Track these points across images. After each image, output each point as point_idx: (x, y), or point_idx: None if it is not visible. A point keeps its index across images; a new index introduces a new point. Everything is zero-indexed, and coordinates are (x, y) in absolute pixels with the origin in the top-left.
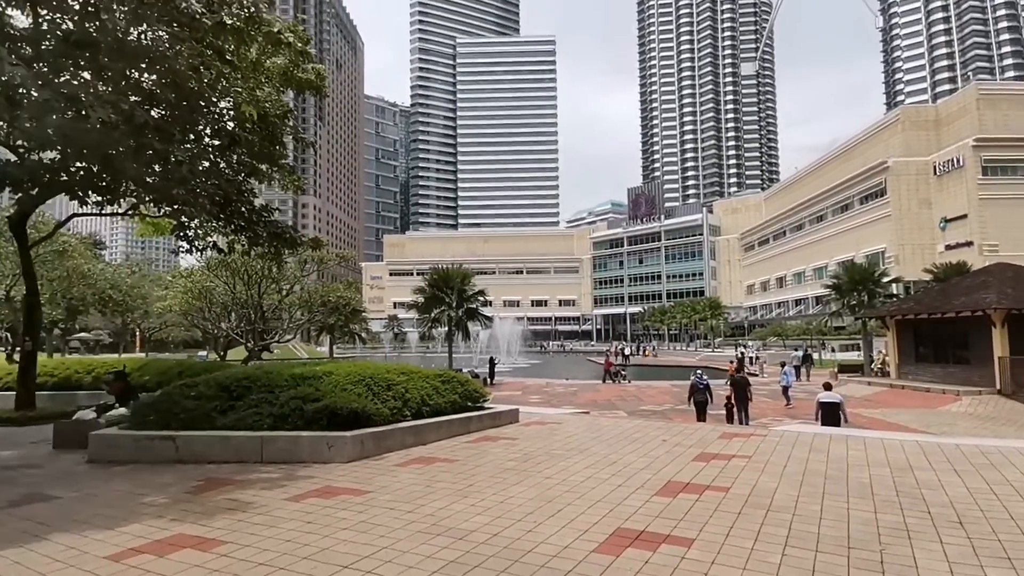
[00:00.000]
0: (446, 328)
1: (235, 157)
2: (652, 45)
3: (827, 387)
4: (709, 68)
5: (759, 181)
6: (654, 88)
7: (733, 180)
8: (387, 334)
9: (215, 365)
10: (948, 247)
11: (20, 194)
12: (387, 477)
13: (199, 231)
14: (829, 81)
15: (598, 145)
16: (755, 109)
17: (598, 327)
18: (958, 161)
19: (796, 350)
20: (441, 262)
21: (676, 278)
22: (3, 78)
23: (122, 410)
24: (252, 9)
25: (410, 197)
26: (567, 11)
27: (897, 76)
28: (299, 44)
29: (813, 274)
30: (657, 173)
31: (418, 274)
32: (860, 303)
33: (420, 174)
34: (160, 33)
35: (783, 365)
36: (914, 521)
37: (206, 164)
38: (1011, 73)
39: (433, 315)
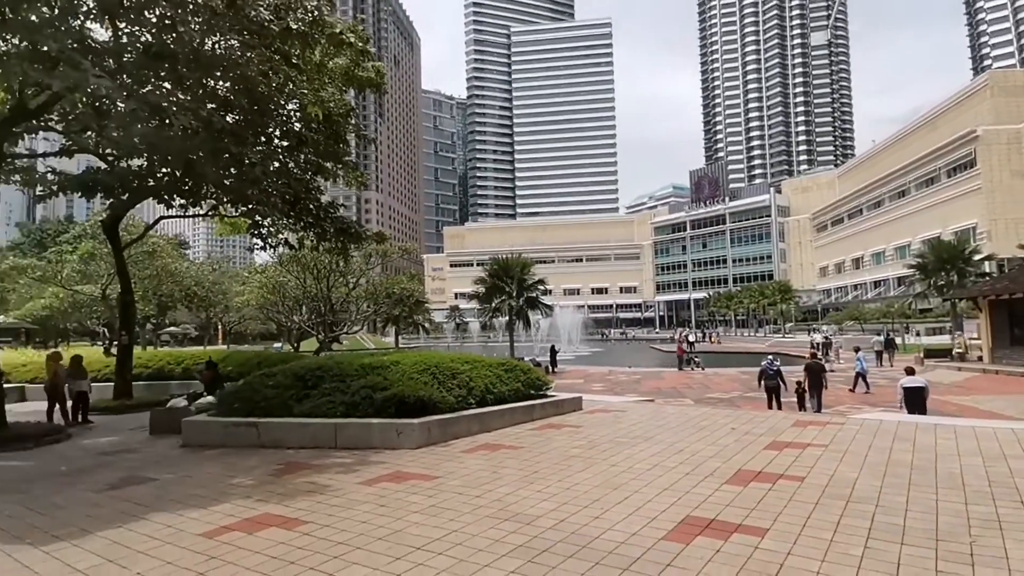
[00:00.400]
0: (507, 317)
1: (302, 156)
2: (713, 19)
3: (910, 372)
4: (776, 39)
5: (832, 158)
6: (716, 65)
7: (803, 158)
8: (449, 324)
9: (290, 356)
10: None
11: (112, 199)
12: (454, 463)
13: (271, 228)
14: (910, 47)
15: (658, 128)
16: (827, 81)
17: (660, 314)
18: None
19: (877, 335)
20: (500, 252)
21: (742, 262)
22: (89, 89)
23: (210, 398)
24: (316, 13)
25: (468, 189)
26: None
27: (983, 40)
28: (360, 44)
29: (894, 254)
30: (721, 154)
31: (478, 264)
32: (948, 283)
33: (478, 165)
34: (232, 42)
35: (857, 351)
36: (1007, 512)
37: (276, 164)
38: None
39: (494, 304)
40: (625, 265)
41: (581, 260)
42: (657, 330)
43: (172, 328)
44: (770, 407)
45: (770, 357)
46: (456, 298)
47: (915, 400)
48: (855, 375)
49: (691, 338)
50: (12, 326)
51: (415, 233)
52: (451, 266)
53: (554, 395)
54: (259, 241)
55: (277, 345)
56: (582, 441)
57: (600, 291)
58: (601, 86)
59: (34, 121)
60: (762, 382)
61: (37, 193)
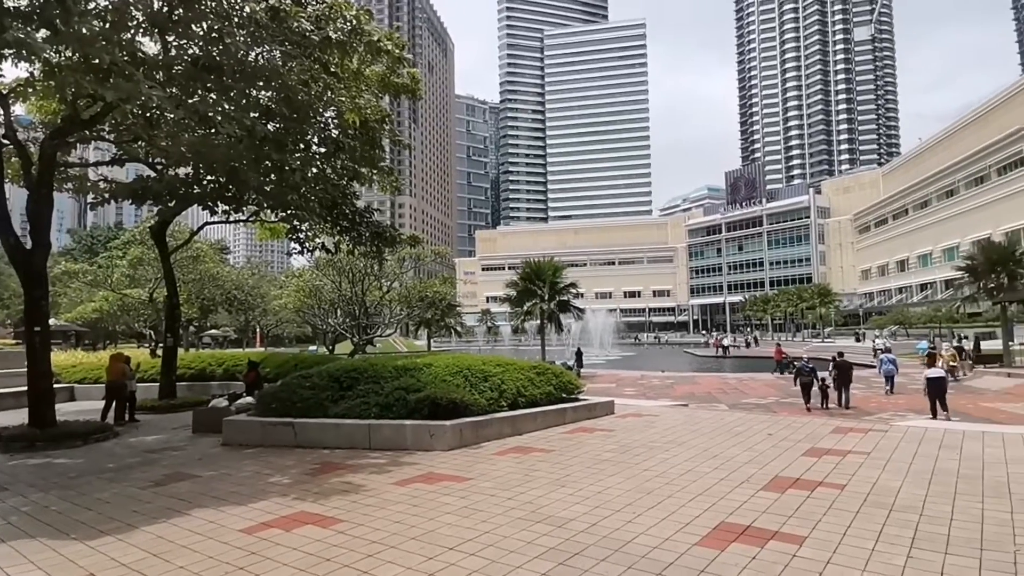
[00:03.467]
0: (538, 321)
1: (339, 162)
2: (751, 17)
3: (931, 363)
4: (817, 36)
5: (875, 156)
6: (753, 63)
7: (844, 157)
8: (481, 327)
9: (325, 358)
10: None
11: (160, 206)
12: (486, 465)
13: (309, 233)
14: (957, 42)
15: (692, 129)
16: (871, 77)
17: (695, 317)
18: None
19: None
20: (532, 256)
21: (780, 264)
22: (141, 100)
23: (249, 399)
24: (354, 22)
25: (500, 192)
26: None
27: None
28: (397, 51)
29: (942, 255)
30: (758, 154)
31: (509, 268)
32: (999, 286)
33: (510, 169)
34: (275, 52)
35: (886, 350)
36: None
37: (314, 170)
38: None
39: (525, 308)
40: (658, 268)
41: (613, 263)
42: (691, 334)
43: (213, 331)
44: (806, 401)
45: (805, 358)
46: (487, 301)
47: (938, 389)
48: (885, 378)
49: (725, 342)
50: (62, 328)
51: (447, 237)
52: (483, 270)
53: (586, 399)
54: (297, 245)
55: (312, 348)
56: (614, 445)
57: (632, 294)
58: (635, 87)
59: (87, 131)
60: (798, 380)
61: (89, 201)
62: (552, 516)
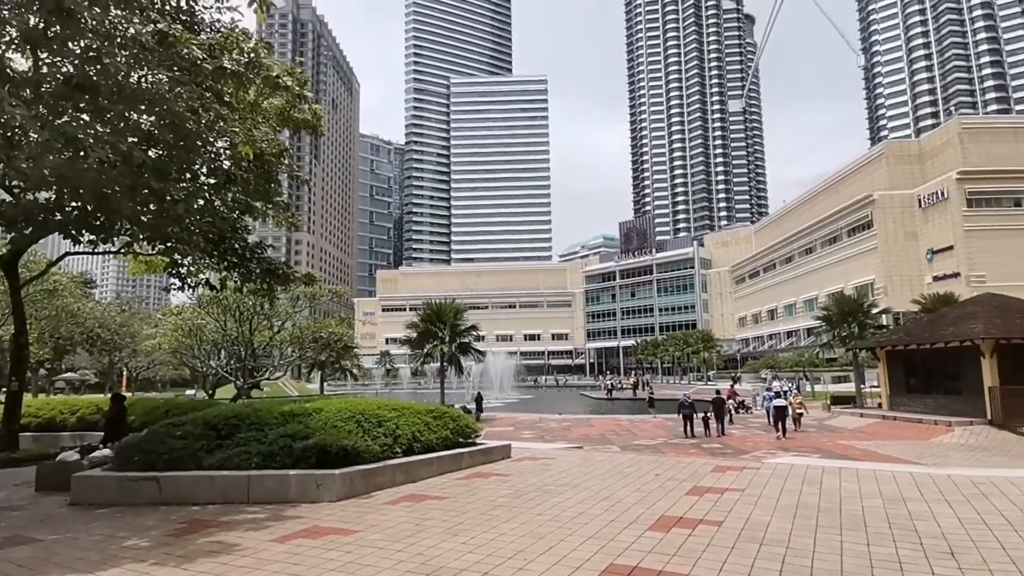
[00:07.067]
0: (438, 363)
1: (230, 195)
2: (642, 83)
3: (778, 395)
4: (698, 104)
5: (748, 215)
6: (644, 124)
7: (723, 214)
8: (379, 370)
9: (203, 403)
10: (936, 278)
11: (14, 233)
12: (376, 515)
13: (192, 268)
14: (816, 118)
15: (590, 180)
16: (743, 144)
17: (591, 360)
18: (942, 194)
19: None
20: (434, 297)
21: (668, 311)
22: (2, 119)
23: (106, 451)
24: (252, 55)
25: (404, 233)
26: (559, 51)
27: (880, 112)
28: (297, 87)
29: (804, 306)
30: (648, 207)
31: (411, 309)
32: (851, 334)
33: (414, 210)
34: (160, 76)
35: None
36: (906, 553)
37: (201, 202)
38: (993, 107)
39: (426, 350)
40: (557, 312)
41: (514, 306)
42: (587, 377)
43: (69, 374)
44: (687, 429)
45: (686, 394)
46: (387, 343)
47: (780, 416)
48: (768, 412)
49: (611, 384)
50: None
51: (347, 276)
52: (383, 311)
53: (483, 443)
54: (177, 281)
55: (190, 392)
56: (509, 490)
57: (532, 337)
58: (537, 138)
59: None
60: (680, 412)
61: None
62: (443, 567)
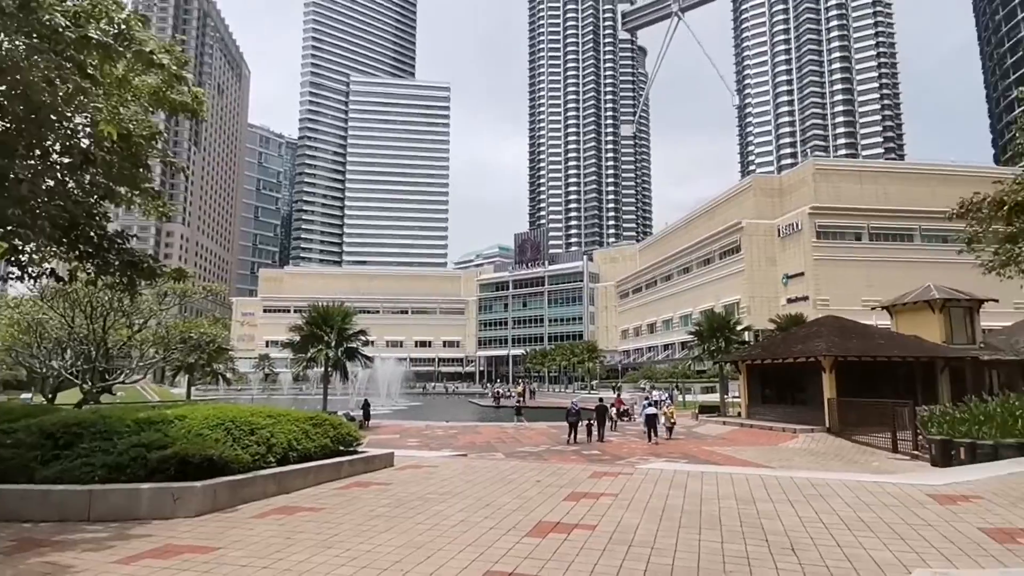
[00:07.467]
0: (323, 368)
1: (87, 177)
2: (542, 101)
3: (652, 404)
4: (592, 126)
5: (635, 232)
6: (542, 141)
7: (612, 231)
8: (257, 374)
9: (40, 409)
10: (789, 300)
11: None
12: (241, 530)
13: (35, 256)
14: (700, 148)
15: (489, 190)
16: (632, 167)
17: (482, 368)
18: (797, 225)
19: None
20: (322, 299)
21: (557, 322)
22: None
23: None
24: (123, 26)
25: (292, 231)
26: (463, 62)
27: (750, 148)
28: (175, 66)
29: (680, 321)
30: (543, 221)
31: (296, 311)
32: (718, 349)
33: (304, 208)
34: (18, 43)
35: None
36: (754, 549)
37: (51, 183)
38: (843, 151)
39: (309, 355)
40: (450, 320)
41: (407, 312)
42: (477, 384)
43: None
44: (571, 435)
45: (574, 400)
46: (267, 346)
47: (651, 423)
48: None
49: (499, 391)
50: None
51: (226, 274)
52: (264, 311)
53: (365, 451)
54: (16, 270)
55: (25, 396)
56: (389, 500)
57: (424, 344)
58: (437, 145)
59: None
60: (568, 419)
61: None
62: None
